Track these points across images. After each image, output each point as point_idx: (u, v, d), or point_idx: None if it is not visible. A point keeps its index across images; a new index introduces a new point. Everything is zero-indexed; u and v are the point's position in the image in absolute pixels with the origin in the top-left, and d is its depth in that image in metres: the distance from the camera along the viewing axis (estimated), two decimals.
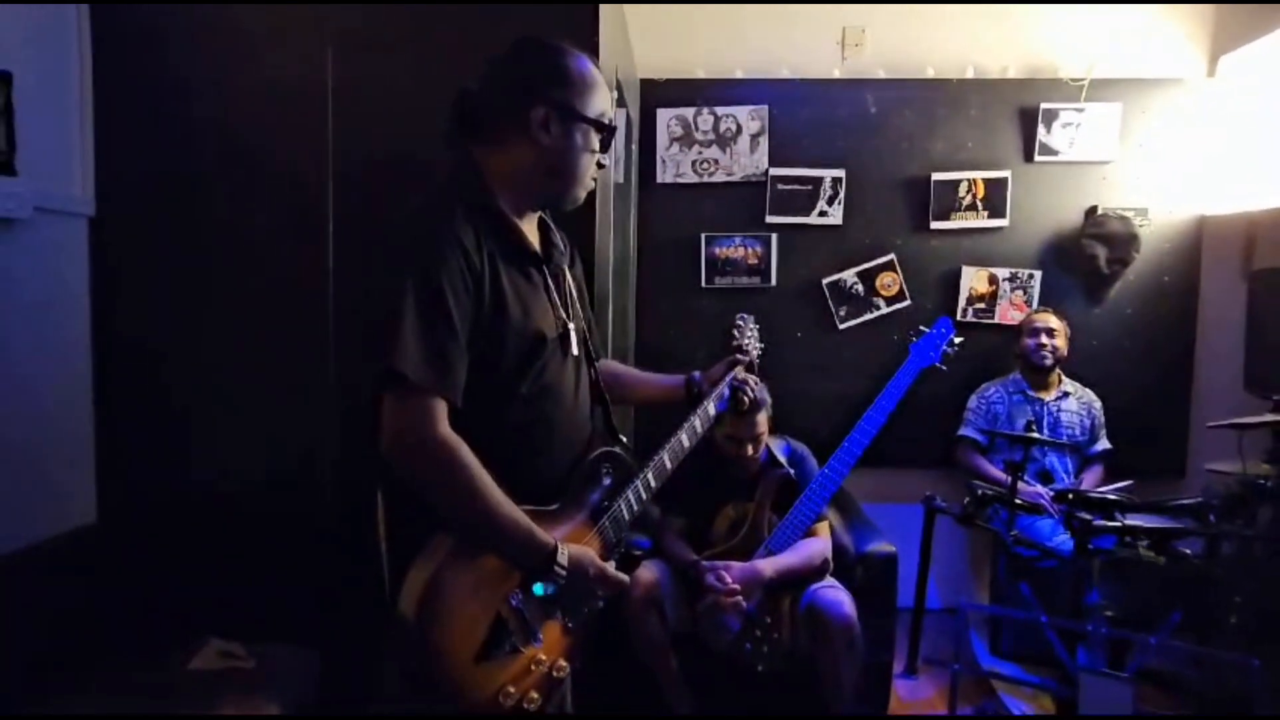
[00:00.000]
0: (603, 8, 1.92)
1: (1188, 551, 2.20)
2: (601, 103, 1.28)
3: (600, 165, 1.32)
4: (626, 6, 2.58)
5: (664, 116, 3.21)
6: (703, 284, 3.26)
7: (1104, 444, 3.01)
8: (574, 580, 1.20)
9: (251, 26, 1.99)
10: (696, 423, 1.49)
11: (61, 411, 1.98)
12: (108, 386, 2.06)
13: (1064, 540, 2.54)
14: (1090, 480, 2.92)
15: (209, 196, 2.03)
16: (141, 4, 1.98)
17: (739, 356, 1.62)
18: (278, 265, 2.03)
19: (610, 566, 1.27)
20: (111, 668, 1.81)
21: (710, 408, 1.52)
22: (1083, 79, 3.13)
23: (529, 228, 1.29)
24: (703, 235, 3.24)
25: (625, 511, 1.35)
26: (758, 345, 1.71)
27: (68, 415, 2.00)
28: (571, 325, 1.31)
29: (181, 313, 2.05)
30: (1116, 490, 2.41)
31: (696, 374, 1.58)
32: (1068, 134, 3.16)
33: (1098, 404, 3.04)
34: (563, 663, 1.26)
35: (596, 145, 1.28)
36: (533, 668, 1.20)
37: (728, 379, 1.57)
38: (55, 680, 1.75)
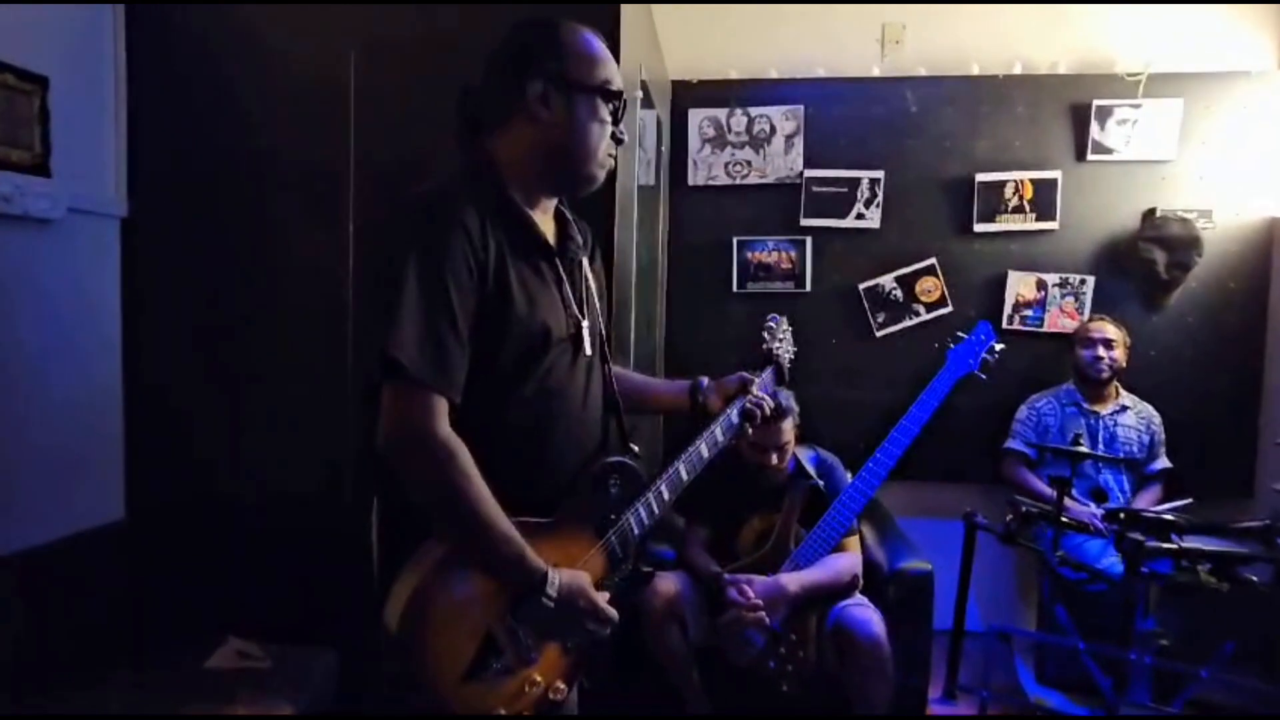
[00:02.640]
0: (625, 9, 1.90)
1: (1254, 578, 2.05)
2: (604, 71, 1.19)
3: (617, 140, 1.22)
4: (657, 10, 2.56)
5: (696, 118, 3.18)
6: (734, 289, 3.21)
7: (1163, 462, 2.85)
8: (563, 609, 1.11)
9: (277, 33, 2.03)
10: (718, 431, 1.37)
11: (93, 408, 2.02)
12: (137, 384, 2.10)
13: (1114, 563, 2.41)
14: (1147, 500, 2.77)
15: (236, 199, 2.07)
16: (174, 3, 2.04)
17: (752, 375, 1.48)
18: (301, 267, 2.06)
19: (604, 599, 1.16)
20: (132, 663, 1.83)
21: (734, 415, 1.41)
22: (1140, 74, 2.99)
23: (543, 218, 1.22)
24: (735, 239, 3.20)
25: (635, 526, 1.24)
26: (790, 348, 1.62)
27: (99, 412, 2.04)
28: (585, 323, 1.22)
29: (209, 312, 2.09)
30: (1173, 509, 2.26)
31: (704, 380, 1.45)
32: (1123, 131, 3.02)
33: (1157, 419, 2.89)
34: (560, 684, 1.17)
35: (606, 116, 1.19)
36: (527, 689, 1.12)
37: (739, 402, 1.42)
38: (77, 672, 1.76)
